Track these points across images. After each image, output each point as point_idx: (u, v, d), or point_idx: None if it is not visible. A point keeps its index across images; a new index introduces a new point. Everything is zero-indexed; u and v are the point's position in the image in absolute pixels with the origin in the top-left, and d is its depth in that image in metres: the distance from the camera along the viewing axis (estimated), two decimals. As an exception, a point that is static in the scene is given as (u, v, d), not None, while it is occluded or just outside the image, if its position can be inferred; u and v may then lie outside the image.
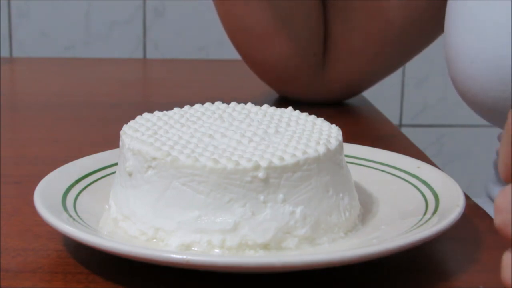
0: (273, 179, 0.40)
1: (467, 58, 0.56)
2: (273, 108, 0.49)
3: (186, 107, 0.49)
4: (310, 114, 0.49)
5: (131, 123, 0.46)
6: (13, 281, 0.39)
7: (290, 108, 0.49)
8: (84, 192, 0.46)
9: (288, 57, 0.78)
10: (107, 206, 0.45)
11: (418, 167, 0.49)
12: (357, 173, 0.49)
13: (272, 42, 0.77)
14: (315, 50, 0.79)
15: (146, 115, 0.47)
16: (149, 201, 0.41)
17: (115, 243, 0.38)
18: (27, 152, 0.64)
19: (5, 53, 1.35)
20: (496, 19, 0.54)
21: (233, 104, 0.50)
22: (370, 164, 0.51)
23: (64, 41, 1.35)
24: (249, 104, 0.50)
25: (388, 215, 0.45)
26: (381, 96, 1.18)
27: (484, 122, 0.63)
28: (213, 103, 0.50)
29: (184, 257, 0.36)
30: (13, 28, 1.35)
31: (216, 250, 0.40)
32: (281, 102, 0.82)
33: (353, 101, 0.85)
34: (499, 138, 0.66)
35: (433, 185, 0.46)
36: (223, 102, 0.50)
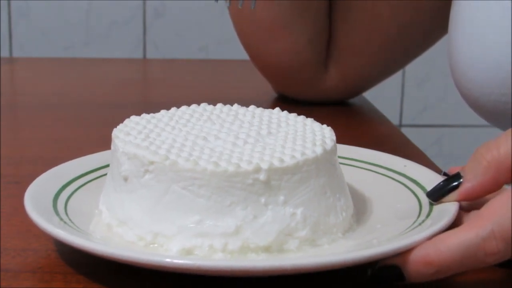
0: (274, 181, 0.40)
1: (468, 62, 0.56)
2: (260, 109, 0.49)
3: (173, 109, 0.48)
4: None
5: (121, 126, 0.45)
6: (13, 281, 0.39)
7: (277, 108, 0.49)
8: (75, 194, 0.45)
9: (293, 52, 0.78)
10: (97, 211, 0.44)
11: (405, 166, 0.49)
12: (345, 173, 0.49)
13: (279, 36, 0.77)
14: (319, 48, 0.79)
15: (134, 118, 0.47)
16: (147, 205, 0.41)
17: (117, 249, 0.37)
18: (27, 152, 0.64)
19: (5, 53, 1.35)
20: (496, 26, 0.54)
21: (219, 105, 0.49)
22: (357, 164, 0.51)
23: (64, 41, 1.35)
24: (235, 105, 0.49)
25: (381, 214, 0.45)
26: (381, 96, 1.18)
27: (484, 122, 0.62)
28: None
29: (191, 262, 0.35)
30: (13, 28, 1.35)
31: (219, 254, 0.39)
32: (281, 102, 0.82)
33: (353, 101, 0.85)
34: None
35: (421, 182, 0.46)
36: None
